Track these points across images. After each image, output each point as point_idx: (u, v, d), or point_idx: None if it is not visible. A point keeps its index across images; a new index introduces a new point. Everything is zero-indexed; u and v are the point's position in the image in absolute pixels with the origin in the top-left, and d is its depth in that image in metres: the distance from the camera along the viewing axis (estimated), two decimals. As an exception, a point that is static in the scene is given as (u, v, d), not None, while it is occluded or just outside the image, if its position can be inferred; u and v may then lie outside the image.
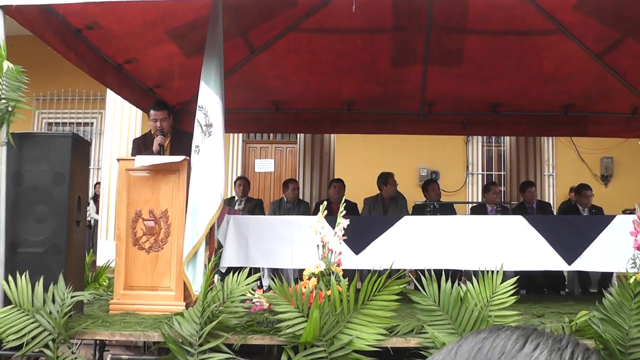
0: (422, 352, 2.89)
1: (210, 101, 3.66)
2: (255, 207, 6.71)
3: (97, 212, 7.94)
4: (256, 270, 4.38)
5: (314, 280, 3.17)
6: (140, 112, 6.64)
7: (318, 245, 3.27)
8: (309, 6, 5.16)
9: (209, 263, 3.25)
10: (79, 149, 3.56)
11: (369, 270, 3.45)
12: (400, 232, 4.52)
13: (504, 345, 0.53)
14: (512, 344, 0.53)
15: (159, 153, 4.16)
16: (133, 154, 4.34)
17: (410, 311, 3.30)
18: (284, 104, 6.50)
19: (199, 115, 3.66)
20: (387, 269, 3.10)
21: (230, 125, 5.05)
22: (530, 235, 4.42)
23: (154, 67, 5.13)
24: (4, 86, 3.20)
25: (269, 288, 3.18)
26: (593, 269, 4.82)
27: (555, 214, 7.31)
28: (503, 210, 6.27)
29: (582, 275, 5.84)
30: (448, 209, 6.16)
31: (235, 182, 7.15)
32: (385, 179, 6.40)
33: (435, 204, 6.09)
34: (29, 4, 3.42)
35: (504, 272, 3.14)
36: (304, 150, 7.55)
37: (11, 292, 3.12)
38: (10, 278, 3.16)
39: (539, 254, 4.38)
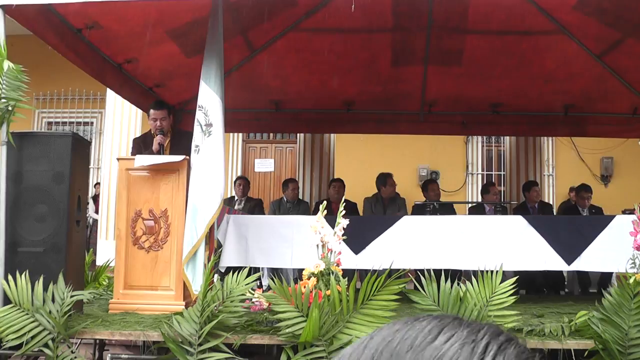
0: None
1: (210, 101, 3.66)
2: (255, 207, 6.71)
3: (96, 212, 7.95)
4: (256, 270, 4.38)
5: (313, 280, 3.18)
6: (140, 111, 6.64)
7: (318, 245, 3.27)
8: (309, 6, 5.16)
9: (208, 263, 3.25)
10: (79, 149, 3.56)
11: (368, 270, 3.46)
12: (399, 232, 4.52)
13: (415, 337, 0.48)
14: (423, 335, 0.48)
15: (158, 152, 4.16)
16: (133, 154, 4.34)
17: (410, 311, 3.30)
18: (284, 103, 6.50)
19: (198, 115, 3.66)
20: (387, 269, 3.10)
21: (230, 125, 5.05)
22: (529, 235, 4.41)
23: (154, 66, 5.13)
24: (4, 85, 3.20)
25: (269, 288, 3.19)
26: (592, 269, 4.81)
27: (554, 214, 7.31)
28: (502, 210, 6.27)
29: (582, 276, 5.84)
30: (448, 209, 6.16)
31: (235, 182, 7.15)
32: (384, 180, 6.40)
33: (435, 203, 6.09)
34: (30, 3, 3.42)
35: (503, 272, 3.14)
36: (304, 150, 7.55)
37: (11, 291, 3.12)
38: (10, 277, 3.16)
39: (538, 254, 4.38)
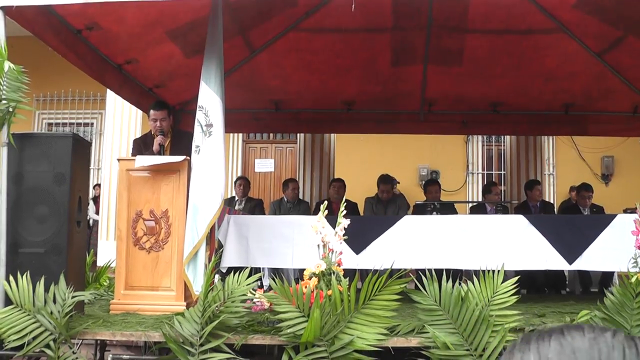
0: (423, 352, 2.88)
1: (210, 101, 3.66)
2: (255, 207, 6.71)
3: (97, 213, 7.95)
4: (257, 270, 4.38)
5: (314, 280, 3.17)
6: (140, 112, 6.64)
7: (319, 245, 3.27)
8: (308, 6, 5.16)
9: (209, 263, 3.25)
10: (80, 150, 3.55)
11: (369, 270, 3.45)
12: (400, 231, 4.52)
13: (621, 352, 0.54)
14: (629, 351, 0.54)
15: (159, 153, 4.16)
16: (133, 154, 4.34)
17: (411, 311, 3.30)
18: (284, 103, 6.50)
19: (199, 116, 3.66)
20: (388, 269, 3.10)
21: (231, 125, 5.04)
22: (531, 234, 4.41)
23: (154, 67, 5.13)
24: (4, 87, 3.20)
25: (270, 288, 3.18)
26: (594, 269, 4.81)
27: (555, 213, 7.30)
28: (503, 209, 6.27)
29: (583, 275, 5.83)
30: (449, 209, 6.16)
31: (235, 182, 7.15)
32: (378, 183, 6.41)
33: (435, 203, 6.08)
34: (30, 4, 3.42)
35: (504, 271, 3.14)
36: (304, 150, 7.55)
37: (12, 292, 3.12)
38: (11, 278, 3.16)
39: (539, 254, 4.37)
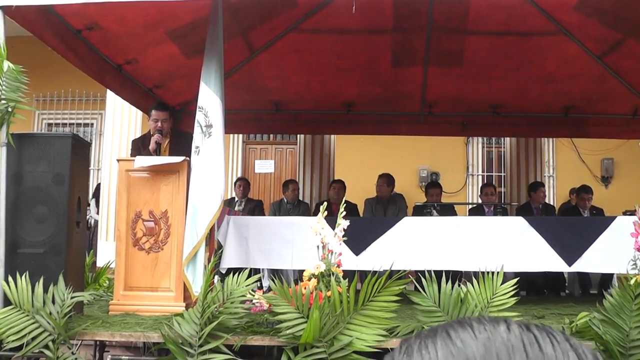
0: (422, 354, 2.88)
1: (210, 102, 3.66)
2: (255, 208, 6.71)
3: (98, 212, 7.94)
4: (256, 271, 4.37)
5: (314, 281, 3.17)
6: (140, 112, 6.64)
7: (318, 246, 3.27)
8: (309, 7, 5.16)
9: (208, 264, 3.25)
10: (79, 150, 3.55)
11: (368, 272, 3.45)
12: (400, 233, 4.52)
13: (522, 353, 0.47)
14: (531, 348, 0.47)
15: (155, 151, 4.15)
16: (132, 155, 4.34)
17: (411, 312, 3.30)
18: (284, 104, 6.50)
19: (199, 116, 3.66)
20: (387, 270, 3.10)
21: (230, 126, 5.05)
22: (530, 236, 4.41)
23: (154, 67, 5.13)
24: (4, 87, 3.20)
25: (269, 289, 3.18)
26: (593, 270, 4.81)
27: (555, 215, 7.30)
28: (503, 211, 6.26)
29: (583, 277, 5.83)
30: (448, 210, 6.15)
31: (235, 183, 7.15)
32: (377, 181, 6.41)
33: (435, 204, 6.07)
34: (29, 4, 3.42)
35: (504, 273, 3.14)
36: (304, 151, 7.54)
37: (11, 292, 3.12)
38: (10, 279, 3.16)
39: (539, 255, 4.37)
